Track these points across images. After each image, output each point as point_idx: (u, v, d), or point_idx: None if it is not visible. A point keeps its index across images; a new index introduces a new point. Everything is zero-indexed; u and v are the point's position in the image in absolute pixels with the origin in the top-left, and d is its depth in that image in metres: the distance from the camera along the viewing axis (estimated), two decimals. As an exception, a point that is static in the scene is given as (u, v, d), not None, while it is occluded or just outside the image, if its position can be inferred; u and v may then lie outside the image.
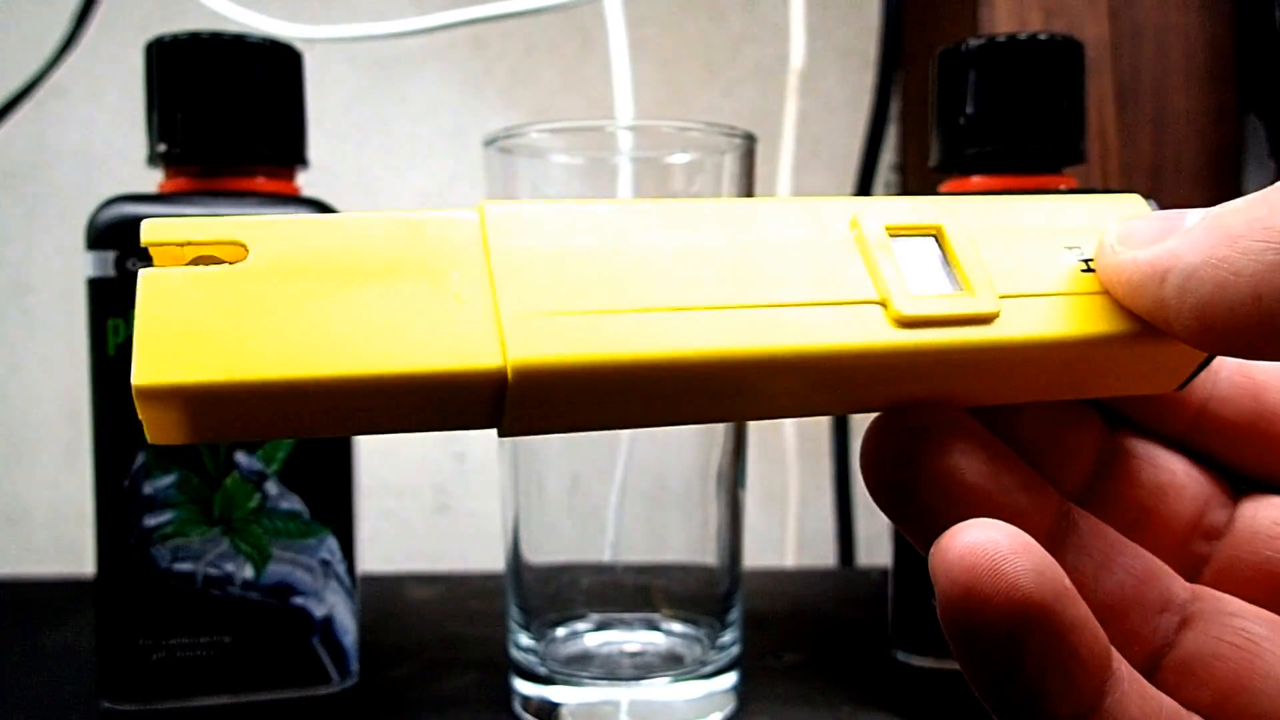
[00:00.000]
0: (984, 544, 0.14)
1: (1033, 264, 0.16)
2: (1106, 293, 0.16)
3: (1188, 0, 0.47)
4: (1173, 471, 0.18)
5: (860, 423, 0.58)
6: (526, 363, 0.14)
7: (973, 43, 0.32)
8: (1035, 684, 0.14)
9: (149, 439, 0.14)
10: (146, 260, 0.14)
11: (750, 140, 0.33)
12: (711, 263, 0.15)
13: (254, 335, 0.14)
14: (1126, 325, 0.16)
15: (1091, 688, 0.15)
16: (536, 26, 0.60)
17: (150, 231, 0.14)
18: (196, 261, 0.14)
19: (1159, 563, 0.17)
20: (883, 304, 0.15)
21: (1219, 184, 0.47)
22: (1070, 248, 0.17)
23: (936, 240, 0.16)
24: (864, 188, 0.54)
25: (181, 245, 0.14)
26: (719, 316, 0.15)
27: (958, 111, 0.32)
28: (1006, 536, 0.14)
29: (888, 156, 0.59)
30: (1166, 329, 0.16)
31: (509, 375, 0.14)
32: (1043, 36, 0.32)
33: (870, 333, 0.15)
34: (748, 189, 0.33)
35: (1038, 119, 0.32)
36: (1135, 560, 0.17)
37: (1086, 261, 0.17)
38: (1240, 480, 0.18)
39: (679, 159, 0.33)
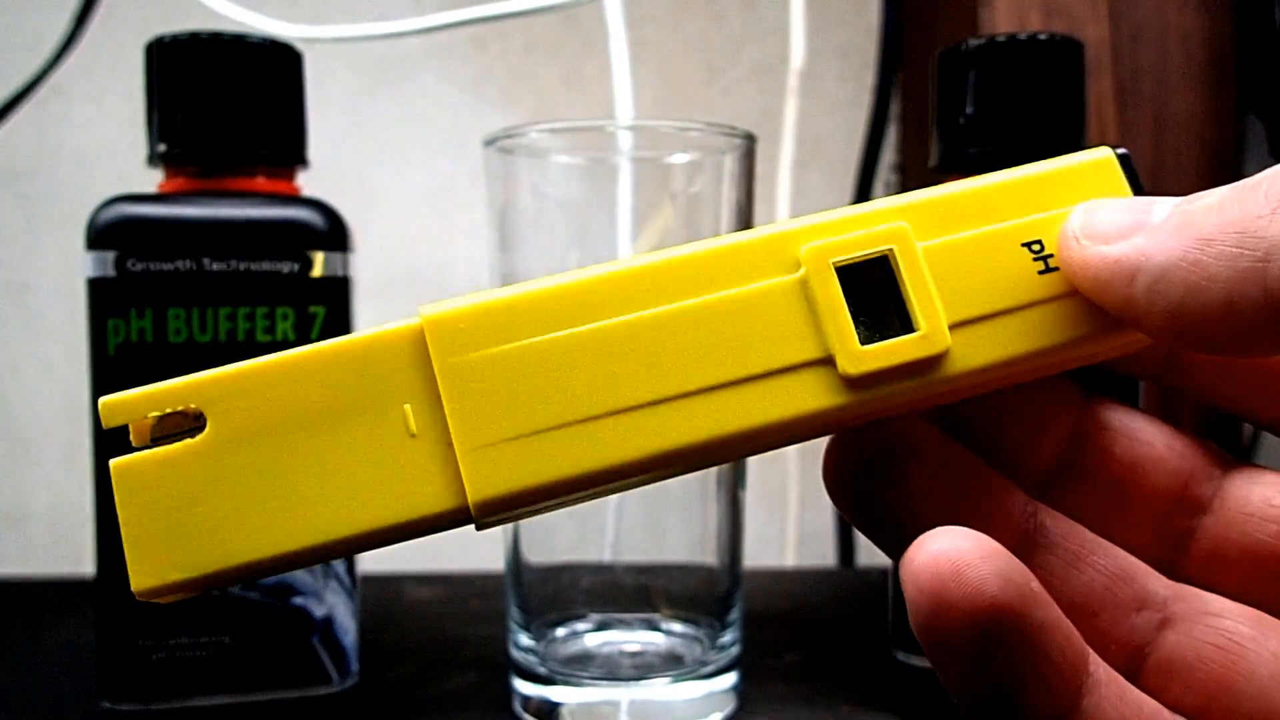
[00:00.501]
0: (948, 551, 0.14)
1: (989, 276, 0.16)
2: (1065, 295, 0.16)
3: (1187, 0, 0.47)
4: (1151, 444, 0.18)
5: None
6: (488, 498, 0.15)
7: (973, 43, 0.32)
8: (1008, 688, 0.14)
9: (143, 602, 0.15)
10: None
11: (750, 140, 0.33)
12: (656, 346, 0.15)
13: (229, 517, 0.15)
14: (1085, 328, 0.16)
15: (1067, 690, 0.15)
16: (536, 26, 0.60)
17: (109, 413, 0.15)
18: (159, 424, 0.15)
19: (1134, 560, 0.17)
20: (829, 360, 0.15)
21: (1219, 184, 0.47)
22: (1029, 243, 0.16)
23: (887, 261, 0.16)
24: (864, 187, 0.54)
25: (142, 417, 0.15)
26: (668, 409, 0.15)
27: (958, 111, 0.32)
28: (971, 543, 0.14)
29: (888, 156, 0.59)
30: (1134, 325, 0.15)
31: (472, 510, 0.15)
32: (1043, 36, 0.32)
33: (818, 398, 0.15)
34: (748, 189, 0.33)
35: (1038, 119, 0.32)
36: (1108, 559, 0.17)
37: (1045, 259, 0.16)
38: (1225, 451, 0.18)
39: (679, 159, 0.33)
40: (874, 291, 0.16)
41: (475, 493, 0.15)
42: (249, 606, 0.30)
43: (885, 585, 0.34)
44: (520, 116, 0.60)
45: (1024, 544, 0.17)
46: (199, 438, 0.15)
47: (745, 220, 0.33)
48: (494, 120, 0.45)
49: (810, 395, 0.15)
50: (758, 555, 0.43)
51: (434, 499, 0.15)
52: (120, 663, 0.30)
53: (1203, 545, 0.17)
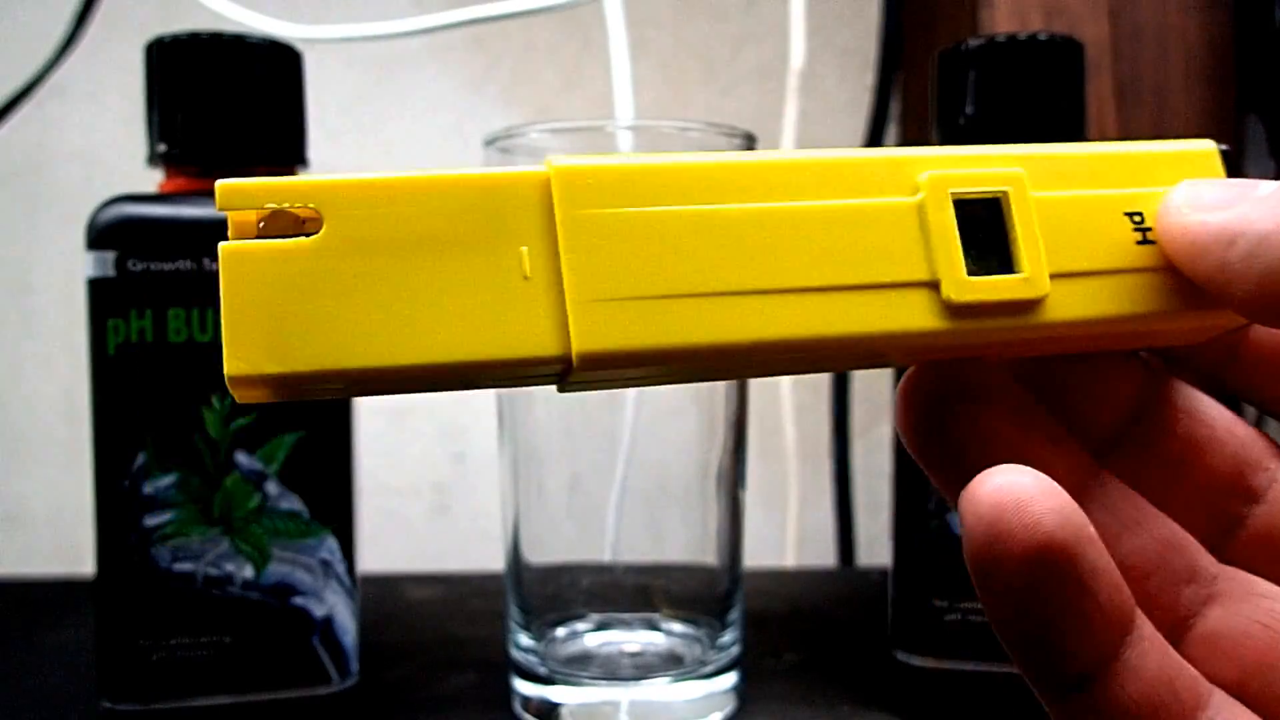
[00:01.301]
0: (1011, 485, 0.14)
1: (1091, 235, 0.17)
2: (1159, 268, 0.17)
3: (1187, 0, 0.47)
4: (1212, 426, 0.18)
5: (860, 424, 0.58)
6: (591, 351, 0.15)
7: (973, 43, 0.32)
8: (1053, 625, 0.15)
9: (236, 399, 0.15)
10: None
11: (750, 140, 0.33)
12: (775, 238, 0.16)
13: (333, 321, 0.14)
14: (1176, 303, 0.17)
15: (1109, 637, 0.15)
16: (536, 26, 0.60)
17: (227, 196, 0.15)
18: (269, 221, 0.15)
19: (1186, 535, 0.17)
20: (934, 285, 0.16)
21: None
22: (1131, 213, 0.17)
23: (1000, 204, 0.16)
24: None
25: (256, 208, 0.15)
26: (781, 300, 0.15)
27: (958, 111, 0.32)
28: (1034, 479, 0.14)
29: (888, 156, 0.59)
30: (1222, 293, 0.16)
31: (574, 361, 0.15)
32: (1043, 36, 0.32)
33: (919, 318, 0.16)
34: (748, 189, 0.33)
35: (1038, 119, 0.32)
36: (1162, 528, 0.17)
37: (1144, 232, 0.17)
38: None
39: (679, 159, 0.33)
40: (982, 230, 0.16)
41: (581, 343, 0.15)
42: (249, 606, 0.30)
43: (885, 585, 0.34)
44: (520, 116, 0.60)
45: (1082, 499, 0.17)
46: (314, 238, 0.14)
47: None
48: (494, 120, 0.45)
49: (914, 314, 0.16)
50: (758, 555, 0.43)
51: (538, 342, 0.15)
52: (120, 663, 0.30)
53: (1252, 533, 0.17)
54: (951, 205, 0.16)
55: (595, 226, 0.15)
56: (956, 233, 0.16)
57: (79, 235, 0.29)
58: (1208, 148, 0.18)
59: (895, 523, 0.33)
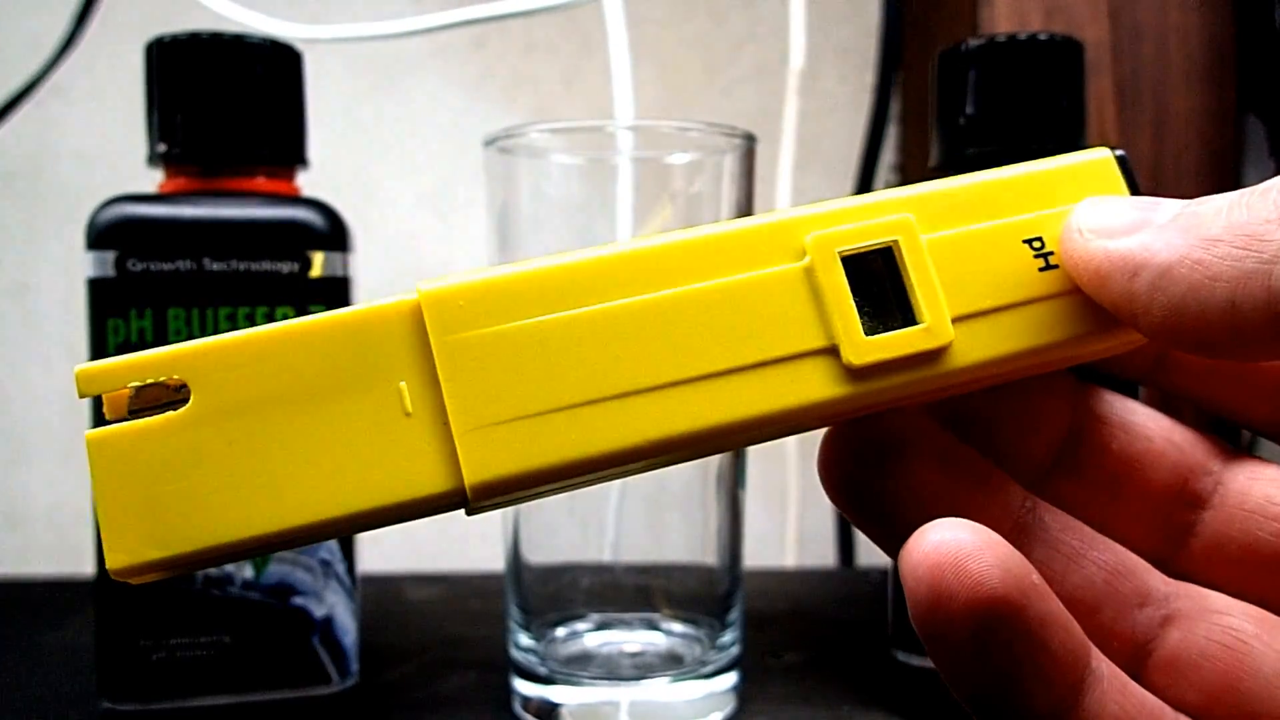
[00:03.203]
0: (948, 543, 0.14)
1: (990, 271, 0.16)
2: (1064, 293, 0.16)
3: (1188, 0, 0.47)
4: (1149, 438, 0.17)
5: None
6: (484, 481, 0.14)
7: (973, 43, 0.32)
8: (1007, 681, 0.14)
9: (128, 583, 0.14)
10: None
11: (750, 140, 0.33)
12: (659, 330, 0.15)
13: (213, 493, 0.14)
14: (1083, 326, 0.16)
15: (1067, 684, 0.15)
16: (536, 26, 0.60)
17: (85, 381, 0.14)
18: (139, 395, 0.14)
19: (1133, 557, 0.17)
20: (833, 350, 0.15)
21: (1219, 184, 0.47)
22: (1030, 240, 0.16)
23: (891, 254, 0.16)
24: (864, 187, 0.54)
25: (121, 388, 0.14)
26: (668, 396, 0.15)
27: (958, 111, 0.32)
28: (971, 534, 0.14)
29: (888, 156, 0.59)
30: (1131, 322, 0.15)
31: (468, 494, 0.14)
32: (1043, 36, 0.32)
33: (821, 388, 0.15)
34: (748, 189, 0.33)
35: (1038, 119, 0.32)
36: (1106, 554, 0.17)
37: (1046, 257, 0.16)
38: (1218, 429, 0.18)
39: (679, 159, 0.33)
40: (877, 282, 0.16)
41: (472, 475, 0.14)
42: (249, 606, 0.30)
43: (885, 585, 0.34)
44: (520, 116, 0.60)
45: (1022, 538, 0.17)
46: (181, 410, 0.14)
47: (745, 220, 0.33)
48: (494, 120, 0.45)
49: (814, 385, 0.15)
50: (758, 555, 0.43)
51: (429, 480, 0.14)
52: (120, 663, 0.30)
53: (1202, 541, 0.17)
54: (840, 264, 0.16)
55: (472, 349, 0.15)
56: (849, 293, 0.15)
57: (79, 235, 0.29)
58: (1103, 156, 0.17)
59: (895, 523, 0.33)
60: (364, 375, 0.14)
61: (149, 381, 0.14)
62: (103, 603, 0.30)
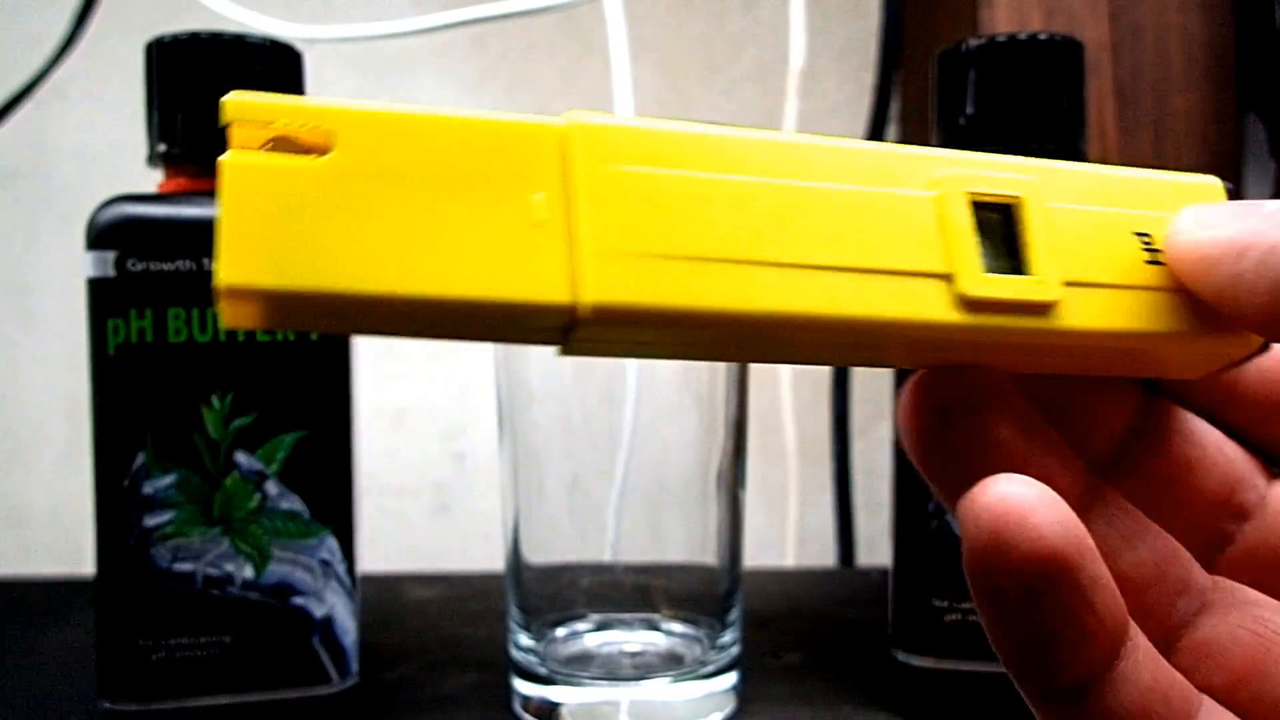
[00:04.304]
0: (1013, 495, 0.14)
1: (1101, 249, 0.17)
2: (1168, 289, 0.17)
3: (1187, 0, 0.47)
4: (1203, 447, 0.18)
5: (860, 424, 0.58)
6: (600, 304, 0.14)
7: (973, 43, 0.32)
8: (1050, 636, 0.15)
9: (222, 324, 0.14)
10: (221, 145, 0.14)
11: (750, 140, 0.33)
12: (797, 214, 0.15)
13: (336, 241, 0.14)
14: (1184, 324, 0.17)
15: (1105, 649, 0.15)
16: (536, 26, 0.60)
17: (233, 108, 0.14)
18: (276, 142, 0.14)
19: (1181, 548, 0.17)
20: (949, 277, 0.16)
21: (1219, 184, 0.47)
22: (1140, 234, 0.17)
23: (1013, 211, 0.16)
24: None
25: (265, 125, 0.14)
26: (795, 276, 0.15)
27: (958, 111, 0.32)
28: (1035, 490, 0.14)
29: (888, 156, 0.59)
30: (1234, 308, 0.16)
31: (581, 313, 0.14)
32: (1043, 36, 0.32)
33: (933, 308, 0.16)
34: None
35: (1038, 119, 0.32)
36: (1159, 542, 0.17)
37: (1153, 253, 0.17)
38: (1272, 461, 0.18)
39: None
40: (995, 233, 0.16)
41: (594, 293, 0.14)
42: (249, 606, 0.30)
43: (885, 585, 0.34)
44: (520, 116, 0.60)
45: (1083, 512, 0.17)
46: (324, 159, 0.14)
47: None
48: (494, 120, 0.45)
49: (927, 303, 0.15)
50: (758, 555, 0.43)
51: (547, 288, 0.14)
52: (120, 663, 0.30)
53: (1241, 549, 0.18)
54: (969, 204, 0.16)
55: (614, 181, 0.15)
56: (973, 228, 0.16)
57: (79, 235, 0.29)
58: (1214, 183, 0.18)
59: (895, 523, 0.33)
60: (504, 178, 0.14)
61: (297, 124, 0.14)
62: (103, 603, 0.30)
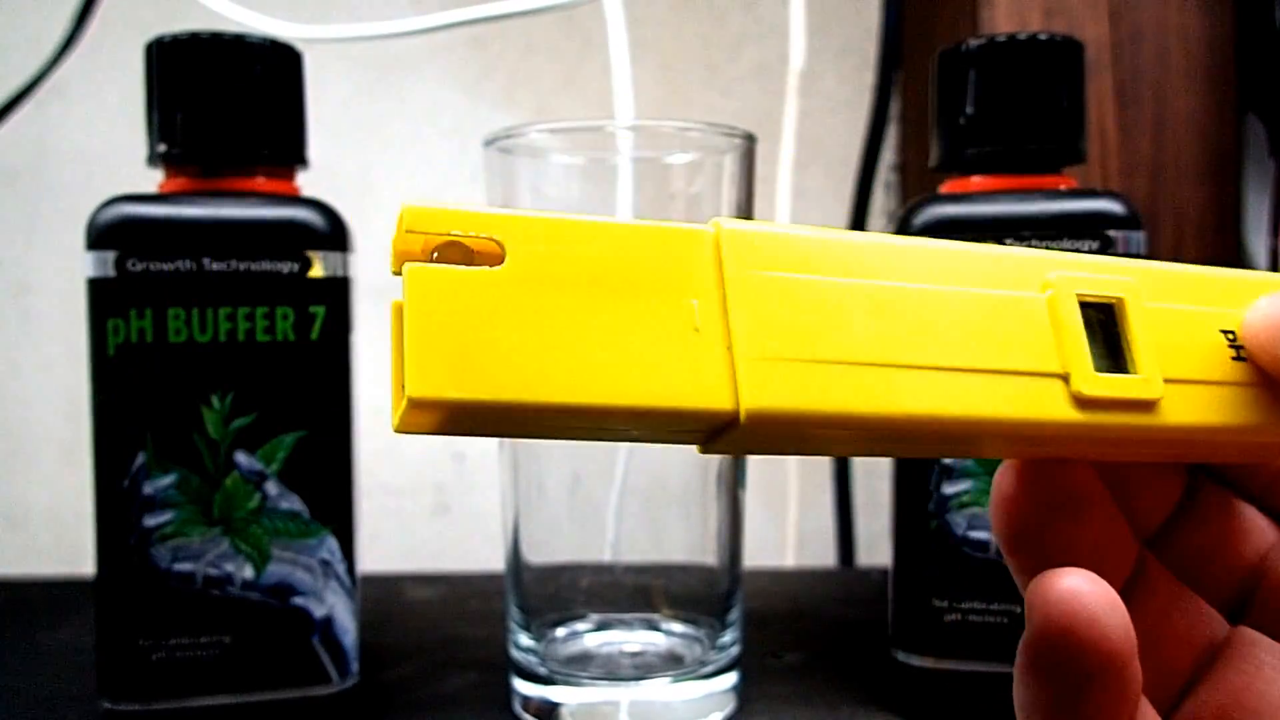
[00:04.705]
0: (1085, 593, 0.16)
1: (1193, 346, 0.18)
2: (1254, 384, 0.18)
3: (1187, 0, 0.47)
4: (1244, 517, 0.19)
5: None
6: (758, 410, 0.15)
7: (973, 43, 0.32)
8: (1080, 715, 0.16)
9: (395, 428, 0.15)
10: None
11: (750, 140, 0.33)
12: (928, 318, 0.16)
13: (514, 351, 0.14)
14: (1271, 416, 0.18)
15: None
16: (536, 26, 0.60)
17: (411, 216, 0.15)
18: (442, 250, 0.15)
19: (1212, 611, 0.19)
20: (1065, 378, 0.17)
21: (1219, 184, 0.47)
22: (1225, 331, 0.18)
23: (1116, 311, 0.17)
24: (864, 188, 0.54)
25: (439, 234, 0.15)
26: (926, 379, 0.16)
27: (958, 111, 0.32)
28: (1103, 590, 0.16)
29: (888, 156, 0.60)
30: None
31: (740, 418, 0.15)
32: (1043, 36, 0.32)
33: (1054, 408, 0.16)
34: (748, 189, 0.33)
35: (1038, 119, 0.32)
36: (1191, 604, 0.19)
37: (1238, 349, 0.18)
38: None
39: (679, 159, 0.33)
40: (1100, 332, 0.17)
41: (750, 398, 0.15)
42: (249, 606, 0.30)
43: (885, 585, 0.34)
44: (520, 116, 0.60)
45: (1129, 586, 0.19)
46: (499, 269, 0.14)
47: (746, 220, 0.33)
48: (494, 120, 0.45)
49: (1048, 403, 0.16)
50: (758, 555, 0.43)
51: (711, 395, 0.15)
52: (120, 663, 0.30)
53: (1262, 610, 0.19)
54: (1078, 304, 0.17)
55: (761, 286, 0.15)
56: (1083, 329, 0.17)
57: (79, 235, 0.29)
58: None
59: (895, 523, 0.33)
60: (663, 283, 0.15)
61: (470, 234, 0.15)
62: (103, 603, 0.30)
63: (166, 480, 0.29)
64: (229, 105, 0.31)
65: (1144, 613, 0.18)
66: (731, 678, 0.34)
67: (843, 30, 0.62)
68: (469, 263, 0.14)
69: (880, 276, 0.16)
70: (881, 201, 0.60)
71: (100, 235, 0.29)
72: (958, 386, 0.16)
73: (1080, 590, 0.16)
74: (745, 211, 0.33)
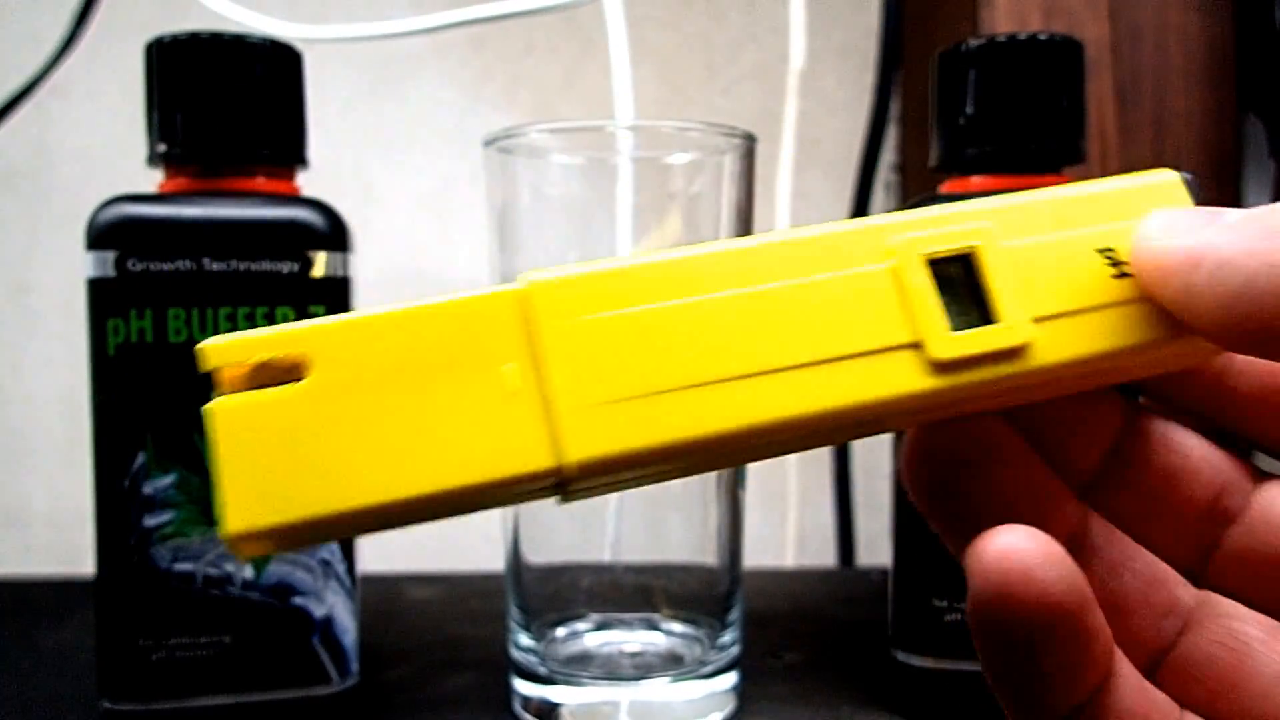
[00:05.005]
0: (1019, 549, 0.15)
1: (1067, 276, 0.17)
2: (1137, 300, 0.17)
3: (1188, 0, 0.47)
4: (1187, 455, 0.18)
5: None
6: (583, 461, 0.15)
7: (973, 43, 0.32)
8: (1047, 680, 0.15)
9: (238, 558, 0.15)
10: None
11: (750, 140, 0.33)
12: (756, 321, 0.16)
13: (329, 462, 0.14)
14: (1154, 333, 0.17)
15: (1094, 684, 0.16)
16: (536, 26, 0.60)
17: (213, 355, 0.15)
18: (257, 372, 0.15)
19: (1167, 569, 0.18)
20: (918, 345, 0.16)
21: (1219, 184, 0.47)
22: (1103, 250, 0.17)
23: (971, 260, 0.17)
24: (864, 188, 0.54)
25: (243, 363, 0.15)
26: (765, 383, 0.16)
27: (958, 111, 0.32)
28: (1040, 544, 0.15)
29: (888, 156, 0.60)
30: (1191, 319, 0.16)
31: (568, 472, 0.15)
32: (1043, 36, 0.32)
33: (908, 380, 0.16)
34: (748, 189, 0.33)
35: (1037, 119, 0.32)
36: (1144, 566, 0.18)
37: (1119, 265, 0.17)
38: (1263, 449, 0.19)
39: (679, 159, 0.33)
40: (959, 287, 0.16)
41: (577, 451, 0.15)
42: (249, 606, 0.30)
43: (885, 585, 0.34)
44: (520, 116, 0.60)
45: (1072, 546, 0.17)
46: (301, 384, 0.15)
47: (745, 220, 0.33)
48: (494, 120, 0.45)
49: (901, 377, 0.16)
50: (758, 555, 0.43)
51: (532, 457, 0.15)
52: (120, 663, 0.30)
53: (1227, 554, 0.18)
54: (926, 266, 0.16)
55: (577, 333, 0.15)
56: (934, 291, 0.16)
57: (79, 235, 0.29)
58: (1171, 179, 0.18)
59: (895, 523, 0.33)
60: (471, 356, 0.15)
61: (272, 356, 0.15)
62: (103, 603, 0.30)
63: (166, 480, 0.29)
64: (229, 105, 0.31)
65: (1090, 575, 0.17)
66: (731, 678, 0.34)
67: (843, 30, 0.62)
68: (285, 378, 0.15)
69: (705, 290, 0.16)
70: (881, 202, 0.60)
71: (100, 235, 0.29)
72: (799, 384, 0.16)
73: (1013, 547, 0.15)
74: (746, 211, 0.33)
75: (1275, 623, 0.17)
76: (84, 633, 0.38)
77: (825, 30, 0.60)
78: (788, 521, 0.57)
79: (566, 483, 0.15)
